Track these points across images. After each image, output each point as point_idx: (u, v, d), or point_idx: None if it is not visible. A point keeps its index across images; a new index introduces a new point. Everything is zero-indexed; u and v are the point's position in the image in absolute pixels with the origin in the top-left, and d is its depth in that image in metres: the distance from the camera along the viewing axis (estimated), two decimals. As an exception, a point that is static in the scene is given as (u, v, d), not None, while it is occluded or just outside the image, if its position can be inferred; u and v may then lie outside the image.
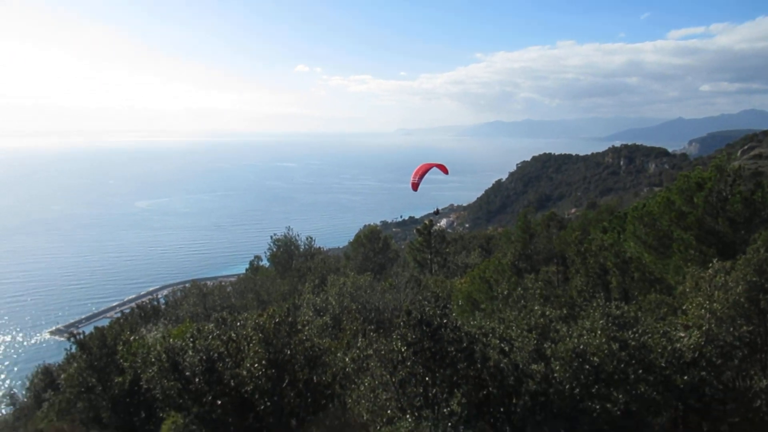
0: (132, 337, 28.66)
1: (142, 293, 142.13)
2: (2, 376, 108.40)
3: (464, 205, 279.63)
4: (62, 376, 32.06)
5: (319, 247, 65.45)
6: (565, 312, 20.02)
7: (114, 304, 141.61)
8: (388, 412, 15.24)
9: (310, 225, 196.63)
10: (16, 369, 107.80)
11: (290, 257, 60.25)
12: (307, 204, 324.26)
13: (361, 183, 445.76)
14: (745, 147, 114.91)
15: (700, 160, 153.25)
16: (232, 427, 19.63)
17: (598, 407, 14.67)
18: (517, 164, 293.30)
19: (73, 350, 31.37)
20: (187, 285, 71.86)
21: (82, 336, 30.57)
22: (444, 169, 34.40)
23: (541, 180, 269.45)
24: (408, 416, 14.29)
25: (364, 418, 16.01)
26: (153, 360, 20.85)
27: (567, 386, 14.94)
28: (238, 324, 22.14)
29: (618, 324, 15.77)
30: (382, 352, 15.63)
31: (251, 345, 19.68)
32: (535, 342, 15.73)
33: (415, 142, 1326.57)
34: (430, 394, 14.78)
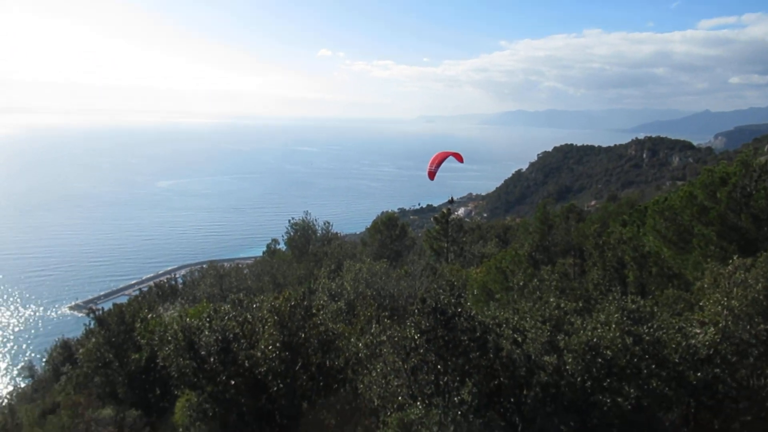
0: (150, 315, 29.14)
1: (160, 272, 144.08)
2: (23, 347, 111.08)
3: (483, 194, 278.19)
4: (80, 350, 32.68)
5: (336, 233, 65.67)
6: (580, 305, 19.91)
7: (132, 282, 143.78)
8: (399, 398, 15.35)
9: (328, 210, 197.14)
10: (29, 344, 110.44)
11: (307, 242, 60.54)
12: (325, 189, 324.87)
13: (380, 169, 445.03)
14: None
15: (726, 155, 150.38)
16: (245, 408, 19.92)
17: (609, 401, 14.63)
18: (537, 154, 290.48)
19: (92, 326, 31.99)
20: (204, 266, 72.68)
21: (100, 312, 31.15)
22: (459, 158, 34.19)
23: (562, 171, 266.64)
24: (419, 403, 14.38)
25: (375, 403, 16.14)
26: (169, 338, 21.17)
27: (579, 379, 14.91)
28: (254, 306, 22.38)
29: (633, 318, 15.66)
30: (395, 339, 15.71)
31: (266, 327, 19.90)
32: (549, 334, 15.69)
33: (436, 130, 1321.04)
34: (441, 382, 14.84)
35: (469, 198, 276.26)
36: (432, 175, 33.79)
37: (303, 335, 19.44)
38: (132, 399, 27.40)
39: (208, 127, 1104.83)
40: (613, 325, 15.42)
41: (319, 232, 62.55)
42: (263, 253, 69.56)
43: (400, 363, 15.48)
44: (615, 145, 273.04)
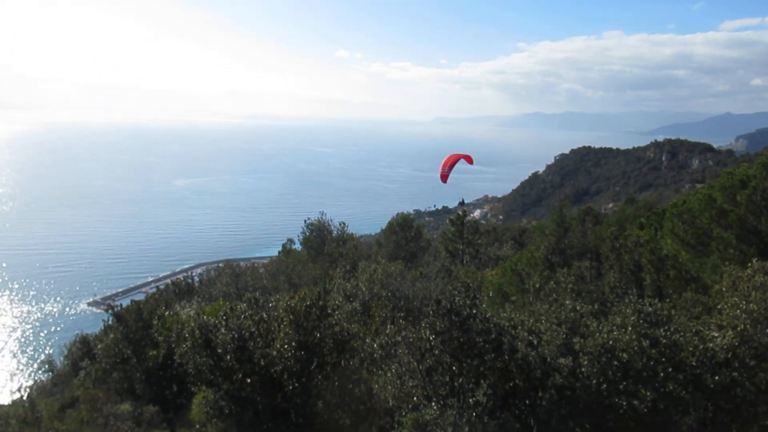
0: (167, 313, 29.46)
1: (177, 270, 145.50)
2: (42, 341, 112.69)
3: (498, 196, 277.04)
4: (99, 346, 33.12)
5: (352, 233, 65.75)
6: (596, 308, 19.83)
7: (149, 279, 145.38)
8: (414, 399, 15.40)
9: (344, 210, 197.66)
10: (48, 339, 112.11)
11: (323, 242, 60.66)
12: (341, 189, 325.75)
13: (396, 171, 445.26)
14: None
15: (747, 157, 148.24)
16: (261, 406, 20.06)
17: (624, 404, 14.57)
18: (554, 156, 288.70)
19: (111, 322, 32.41)
20: (220, 264, 73.20)
21: (119, 309, 31.55)
22: (469, 160, 34.12)
23: (579, 173, 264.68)
24: (433, 404, 14.42)
25: (390, 404, 16.20)
26: (186, 335, 21.38)
27: (594, 381, 14.86)
28: (270, 305, 22.52)
29: (649, 321, 15.58)
30: (411, 340, 15.76)
31: (282, 326, 20.03)
32: (564, 336, 15.66)
33: (453, 132, 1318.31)
34: (456, 384, 14.88)
35: (485, 200, 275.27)
36: (444, 177, 33.74)
37: (318, 335, 19.54)
38: (149, 395, 27.74)
39: (225, 126, 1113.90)
40: (630, 328, 15.36)
41: (335, 232, 62.63)
42: (279, 252, 69.84)
43: (415, 364, 15.53)
44: (633, 147, 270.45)
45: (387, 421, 17.30)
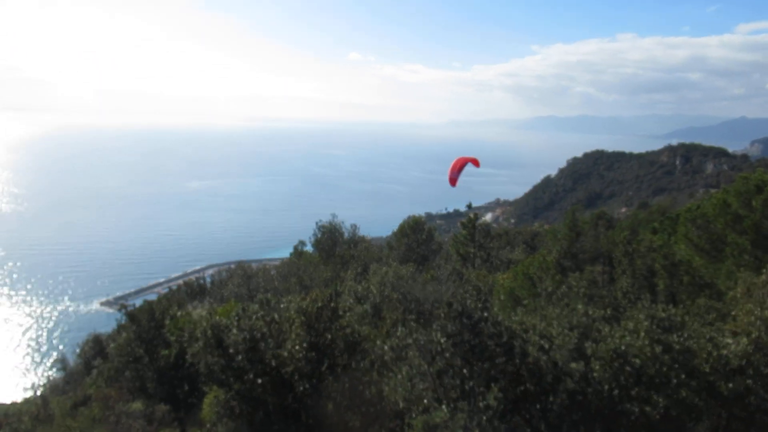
0: (179, 313, 29.67)
1: (189, 271, 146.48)
2: (56, 340, 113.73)
3: (510, 200, 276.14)
4: (111, 345, 33.41)
5: (363, 236, 65.77)
6: (608, 312, 19.71)
7: (161, 280, 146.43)
8: (425, 401, 15.36)
9: (355, 213, 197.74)
10: (62, 338, 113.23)
11: (334, 244, 60.75)
12: (352, 192, 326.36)
13: (408, 174, 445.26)
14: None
15: (762, 162, 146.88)
16: (271, 406, 20.14)
17: (636, 410, 14.44)
18: (567, 160, 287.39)
19: (123, 321, 32.68)
20: (232, 266, 73.53)
21: (132, 308, 31.82)
22: (476, 163, 34.08)
23: (592, 177, 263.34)
24: (444, 407, 14.39)
25: (400, 406, 16.19)
26: (198, 335, 21.51)
27: (606, 387, 14.76)
28: (282, 306, 22.61)
29: (662, 327, 15.44)
30: (421, 342, 15.74)
31: (293, 327, 20.11)
32: (576, 341, 15.57)
33: (465, 134, 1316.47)
34: (467, 387, 14.83)
35: (496, 203, 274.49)
36: (453, 181, 33.68)
37: (329, 336, 19.60)
38: (161, 394, 27.93)
39: (238, 130, 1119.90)
40: (642, 333, 15.23)
41: (346, 234, 62.72)
42: (290, 254, 70.04)
43: (426, 366, 15.51)
44: (647, 151, 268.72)
45: (397, 424, 17.30)
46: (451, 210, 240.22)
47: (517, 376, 15.31)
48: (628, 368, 14.72)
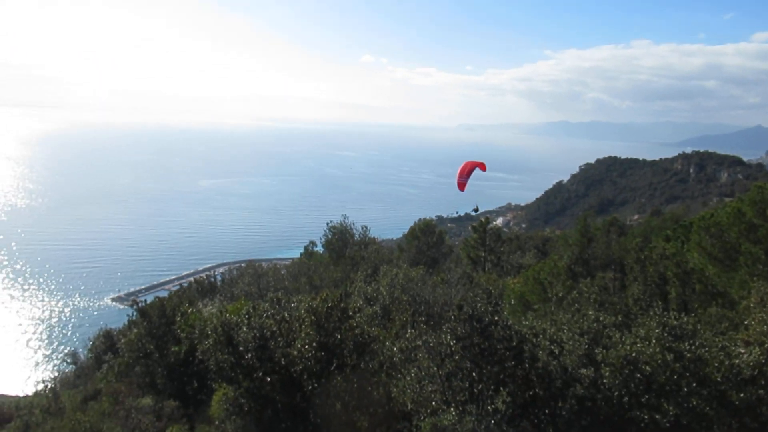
0: (190, 310, 29.85)
1: (200, 269, 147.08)
2: (67, 334, 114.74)
3: (522, 204, 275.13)
4: (122, 340, 33.67)
5: (374, 237, 65.83)
6: (619, 319, 19.62)
7: (172, 277, 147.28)
8: (433, 403, 15.39)
9: (366, 215, 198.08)
10: (73, 332, 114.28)
11: (344, 245, 60.85)
12: (364, 193, 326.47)
13: (419, 176, 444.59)
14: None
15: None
16: (280, 405, 20.21)
17: (646, 417, 14.38)
18: (580, 166, 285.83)
19: (135, 317, 32.94)
20: (242, 264, 73.82)
21: (143, 304, 32.06)
22: (483, 167, 34.00)
23: (604, 184, 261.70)
24: (452, 409, 14.39)
25: (409, 407, 16.22)
26: (209, 333, 21.66)
27: (616, 393, 14.71)
28: (292, 305, 22.70)
29: (674, 335, 15.36)
30: (431, 345, 15.77)
31: (303, 327, 20.17)
32: (586, 346, 15.53)
33: (477, 138, 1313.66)
34: (475, 390, 14.83)
35: (507, 208, 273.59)
36: (462, 186, 33.60)
37: (339, 336, 19.64)
38: (170, 390, 28.11)
39: (250, 129, 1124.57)
40: (653, 341, 15.16)
41: (357, 236, 62.80)
42: (301, 254, 70.26)
43: (435, 368, 15.53)
44: (660, 158, 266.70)
45: (405, 425, 17.30)
46: (462, 213, 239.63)
47: (526, 381, 15.29)
48: (638, 375, 14.68)
